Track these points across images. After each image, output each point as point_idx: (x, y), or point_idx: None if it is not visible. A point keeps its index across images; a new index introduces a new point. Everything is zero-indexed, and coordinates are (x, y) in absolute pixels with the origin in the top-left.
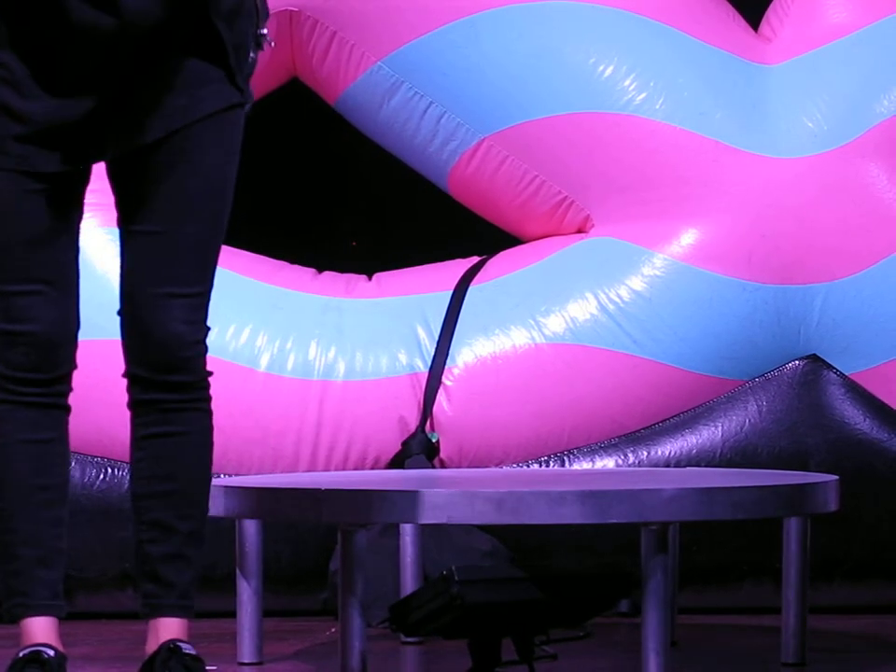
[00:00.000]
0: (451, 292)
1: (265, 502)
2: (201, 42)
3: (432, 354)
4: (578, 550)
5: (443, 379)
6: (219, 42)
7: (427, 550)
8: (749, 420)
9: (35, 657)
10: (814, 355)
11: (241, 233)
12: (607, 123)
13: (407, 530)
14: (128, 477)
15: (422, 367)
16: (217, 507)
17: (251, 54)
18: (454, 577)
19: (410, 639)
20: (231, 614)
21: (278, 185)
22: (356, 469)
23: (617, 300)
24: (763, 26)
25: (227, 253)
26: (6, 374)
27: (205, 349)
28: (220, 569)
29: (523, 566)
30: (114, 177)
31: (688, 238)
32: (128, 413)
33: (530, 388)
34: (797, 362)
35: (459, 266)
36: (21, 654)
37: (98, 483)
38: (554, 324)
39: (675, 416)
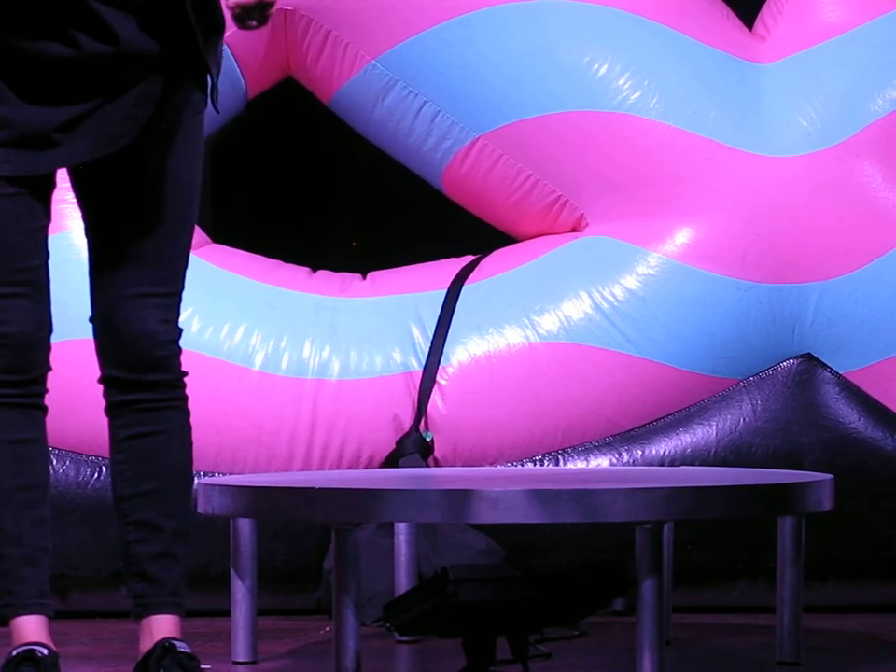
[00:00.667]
0: (445, 291)
1: (259, 501)
2: (180, 59)
3: (426, 353)
4: (572, 549)
5: (438, 378)
6: (200, 60)
7: (422, 549)
8: (744, 419)
9: (29, 655)
10: (808, 354)
11: (235, 232)
12: (601, 122)
13: (401, 529)
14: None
15: (416, 366)
16: (211, 505)
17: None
18: (448, 576)
19: (404, 638)
20: (226, 613)
21: (272, 184)
22: (350, 468)
23: (611, 298)
24: (758, 25)
25: (221, 252)
26: None
27: (179, 349)
28: (214, 568)
29: (517, 565)
30: (79, 183)
31: (682, 237)
32: None
33: (524, 387)
34: (791, 361)
35: (453, 265)
36: (14, 653)
37: (92, 481)
38: (549, 323)
39: (669, 415)
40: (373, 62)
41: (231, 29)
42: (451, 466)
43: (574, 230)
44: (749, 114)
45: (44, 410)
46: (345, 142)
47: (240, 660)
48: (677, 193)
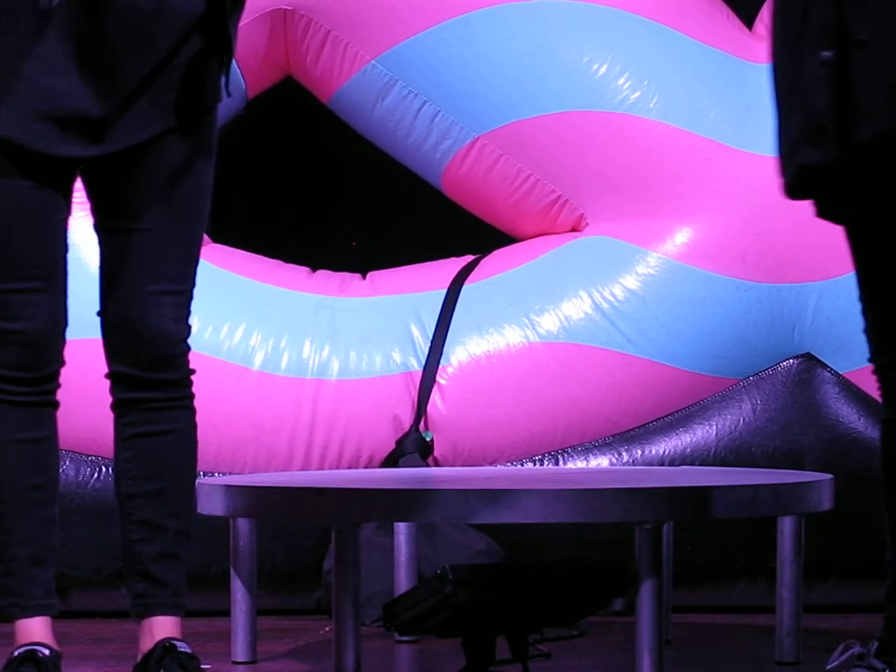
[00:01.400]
0: (445, 291)
1: (259, 501)
2: (207, 45)
3: (426, 352)
4: (572, 548)
5: (437, 378)
6: (225, 45)
7: (422, 549)
8: (744, 419)
9: (30, 656)
10: (808, 353)
11: (235, 232)
12: (601, 122)
13: (401, 529)
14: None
15: (416, 365)
16: (211, 505)
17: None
18: (448, 576)
19: (404, 638)
20: (226, 613)
21: (272, 184)
22: (350, 467)
23: (611, 298)
24: (758, 25)
25: (221, 252)
26: (1, 375)
27: (189, 347)
28: (214, 568)
29: (517, 564)
30: (91, 177)
31: (682, 237)
32: None
33: (524, 387)
34: (791, 361)
35: (453, 265)
36: (15, 654)
37: (92, 481)
38: (548, 323)
39: (669, 415)
40: (373, 61)
41: None
42: (451, 466)
43: (574, 229)
44: (749, 114)
45: (55, 406)
46: (345, 142)
47: (240, 660)
48: (677, 193)
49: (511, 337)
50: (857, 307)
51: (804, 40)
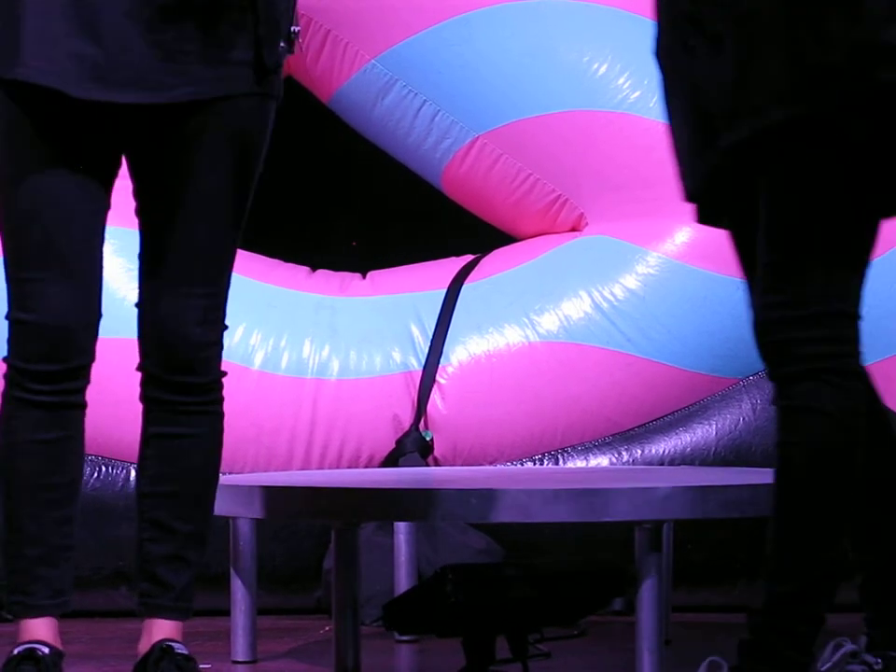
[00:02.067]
0: (445, 290)
1: (259, 500)
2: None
3: (426, 352)
4: (572, 548)
5: (437, 377)
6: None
7: (422, 549)
8: (743, 418)
9: (30, 654)
10: None
11: None
12: (601, 121)
13: (401, 528)
14: (122, 475)
15: (416, 365)
16: None
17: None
18: (448, 575)
19: (404, 637)
20: (226, 612)
21: (272, 183)
22: (350, 467)
23: (611, 298)
24: None
25: None
26: (21, 368)
27: (219, 349)
28: (214, 568)
29: (517, 564)
30: (135, 167)
31: (682, 236)
32: (123, 412)
33: (524, 387)
34: None
35: (453, 264)
36: (15, 652)
37: (92, 481)
38: (548, 322)
39: (669, 414)
40: (373, 61)
41: None
42: (451, 465)
43: (574, 229)
44: None
45: (80, 406)
46: (345, 142)
47: (239, 659)
48: (677, 193)
49: (510, 336)
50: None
51: (689, 40)
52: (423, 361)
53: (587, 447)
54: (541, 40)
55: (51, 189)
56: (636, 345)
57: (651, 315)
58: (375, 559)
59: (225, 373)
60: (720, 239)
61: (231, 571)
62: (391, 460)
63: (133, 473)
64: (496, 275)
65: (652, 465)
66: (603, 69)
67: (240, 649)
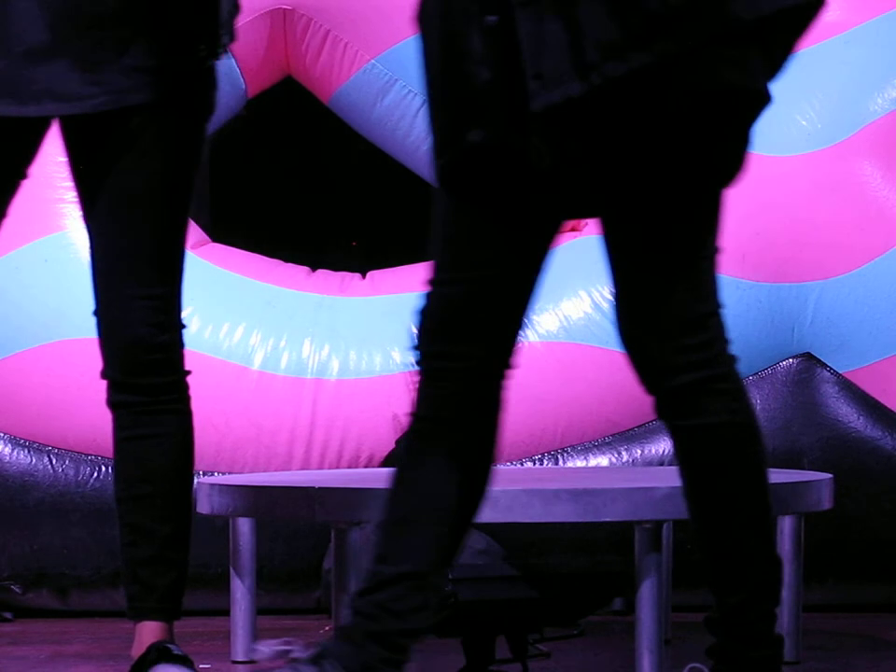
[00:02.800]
0: None
1: (259, 500)
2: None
3: None
4: (572, 548)
5: None
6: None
7: None
8: None
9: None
10: (808, 353)
11: (235, 232)
12: None
13: None
14: None
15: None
16: (211, 505)
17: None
18: (448, 575)
19: None
20: (225, 612)
21: (272, 184)
22: (349, 467)
23: (611, 298)
24: None
25: (221, 251)
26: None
27: (176, 350)
28: (214, 568)
29: (516, 564)
30: (72, 173)
31: None
32: None
33: (524, 387)
34: (791, 360)
35: None
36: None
37: (91, 481)
38: (548, 322)
39: None
40: (373, 61)
41: None
42: None
43: (574, 229)
44: None
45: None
46: (345, 142)
47: (239, 659)
48: None
49: None
50: (857, 307)
51: (469, 10)
52: None
53: (587, 447)
54: None
55: None
56: None
57: None
58: None
59: (189, 372)
60: (719, 238)
61: (231, 571)
62: (391, 460)
63: None
64: None
65: (652, 465)
66: None
67: (239, 649)
